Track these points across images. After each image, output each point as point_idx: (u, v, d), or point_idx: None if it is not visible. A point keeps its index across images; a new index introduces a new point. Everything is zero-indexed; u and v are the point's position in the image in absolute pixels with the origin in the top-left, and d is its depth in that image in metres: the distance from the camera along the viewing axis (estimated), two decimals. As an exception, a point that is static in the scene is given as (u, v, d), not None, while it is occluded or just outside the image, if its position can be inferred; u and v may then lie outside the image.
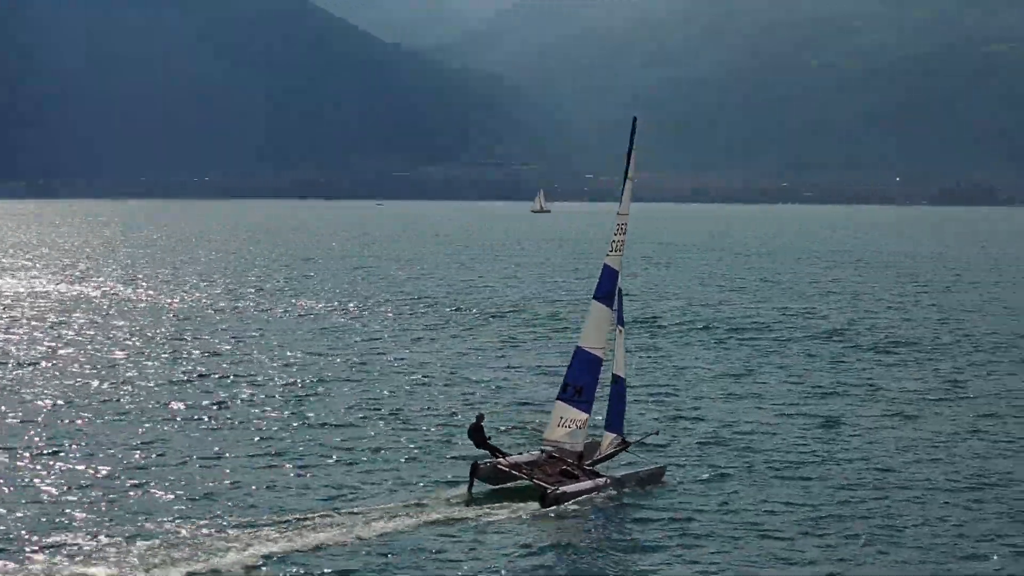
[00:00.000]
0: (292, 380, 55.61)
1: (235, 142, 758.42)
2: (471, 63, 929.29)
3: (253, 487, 36.73)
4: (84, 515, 33.42)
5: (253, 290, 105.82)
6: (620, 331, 38.32)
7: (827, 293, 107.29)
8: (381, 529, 32.20)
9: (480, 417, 38.66)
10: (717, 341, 72.26)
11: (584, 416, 37.59)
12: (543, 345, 69.98)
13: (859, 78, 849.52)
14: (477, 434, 37.76)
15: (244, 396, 51.62)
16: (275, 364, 60.67)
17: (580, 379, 37.84)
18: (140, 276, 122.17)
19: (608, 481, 36.57)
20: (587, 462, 37.54)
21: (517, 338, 73.30)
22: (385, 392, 53.03)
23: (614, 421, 38.38)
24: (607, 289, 37.95)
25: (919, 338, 73.66)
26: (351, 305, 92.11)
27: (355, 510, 33.77)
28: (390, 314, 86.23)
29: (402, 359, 63.19)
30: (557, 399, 38.24)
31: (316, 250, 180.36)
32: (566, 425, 37.64)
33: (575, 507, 34.62)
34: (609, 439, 38.26)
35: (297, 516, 33.14)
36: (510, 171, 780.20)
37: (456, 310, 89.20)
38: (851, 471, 39.25)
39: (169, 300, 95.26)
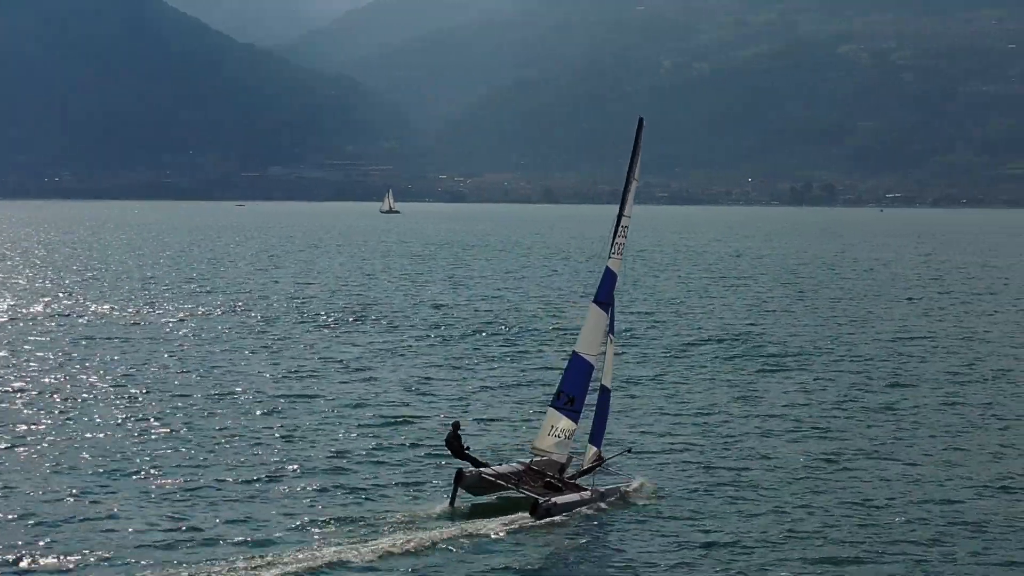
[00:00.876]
0: (231, 394, 51.82)
1: (81, 142, 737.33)
2: (321, 63, 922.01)
3: (221, 513, 33.95)
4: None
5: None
6: (611, 340, 37.09)
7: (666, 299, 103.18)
8: (370, 547, 30.80)
9: (456, 425, 37.25)
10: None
11: (573, 426, 36.64)
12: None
13: (707, 78, 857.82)
14: (454, 443, 36.59)
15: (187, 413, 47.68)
16: (204, 379, 56.20)
17: (574, 387, 36.79)
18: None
19: (593, 494, 35.36)
20: (567, 475, 36.44)
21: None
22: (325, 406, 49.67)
23: (597, 434, 36.88)
24: (607, 293, 36.93)
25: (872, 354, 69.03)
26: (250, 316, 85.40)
27: (336, 527, 32.58)
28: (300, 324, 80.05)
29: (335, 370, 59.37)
30: (550, 407, 37.13)
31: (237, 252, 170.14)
32: (556, 435, 36.62)
33: (564, 519, 33.65)
34: (592, 452, 36.73)
35: (278, 535, 31.86)
36: (361, 172, 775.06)
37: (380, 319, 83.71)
38: (826, 479, 38.68)
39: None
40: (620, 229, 36.61)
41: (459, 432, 36.87)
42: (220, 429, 44.36)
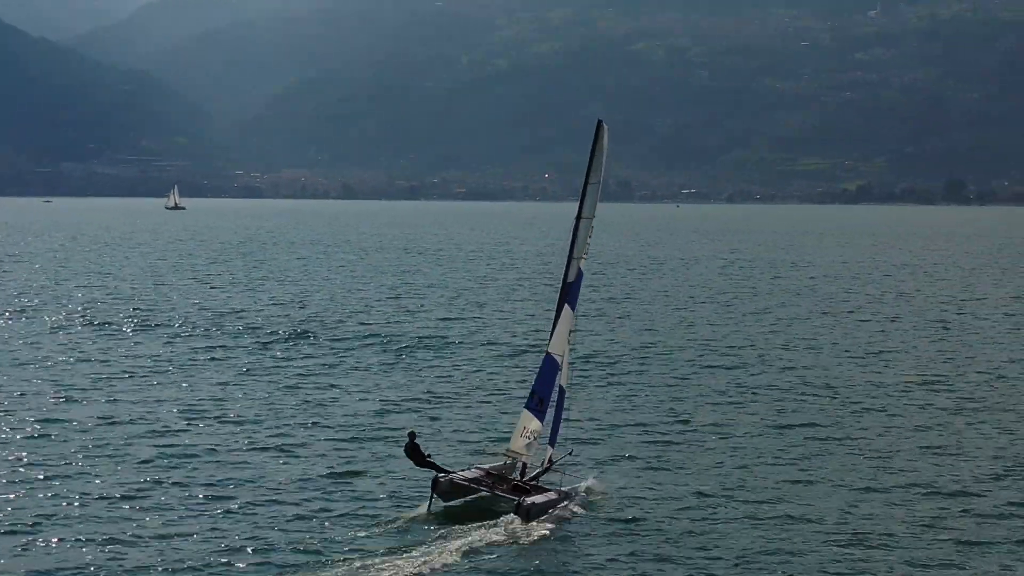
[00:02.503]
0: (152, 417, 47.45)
1: None
2: (115, 57, 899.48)
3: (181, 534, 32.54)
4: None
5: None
6: (570, 338, 37.48)
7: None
8: (351, 563, 30.22)
9: (412, 435, 37.34)
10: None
11: (540, 427, 37.02)
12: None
13: (505, 74, 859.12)
14: (415, 453, 36.93)
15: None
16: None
17: (544, 388, 37.12)
18: None
19: (559, 494, 35.94)
20: (526, 478, 36.81)
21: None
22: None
23: (554, 434, 37.56)
24: (575, 294, 37.25)
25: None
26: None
27: (316, 546, 31.70)
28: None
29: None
30: (524, 408, 37.42)
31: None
32: (526, 436, 36.90)
33: (544, 519, 34.29)
34: (549, 453, 37.33)
35: (251, 562, 30.63)
36: (156, 167, 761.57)
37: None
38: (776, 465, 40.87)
39: None
40: (588, 230, 36.76)
41: (416, 442, 37.04)
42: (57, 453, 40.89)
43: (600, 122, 37.05)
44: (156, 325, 76.22)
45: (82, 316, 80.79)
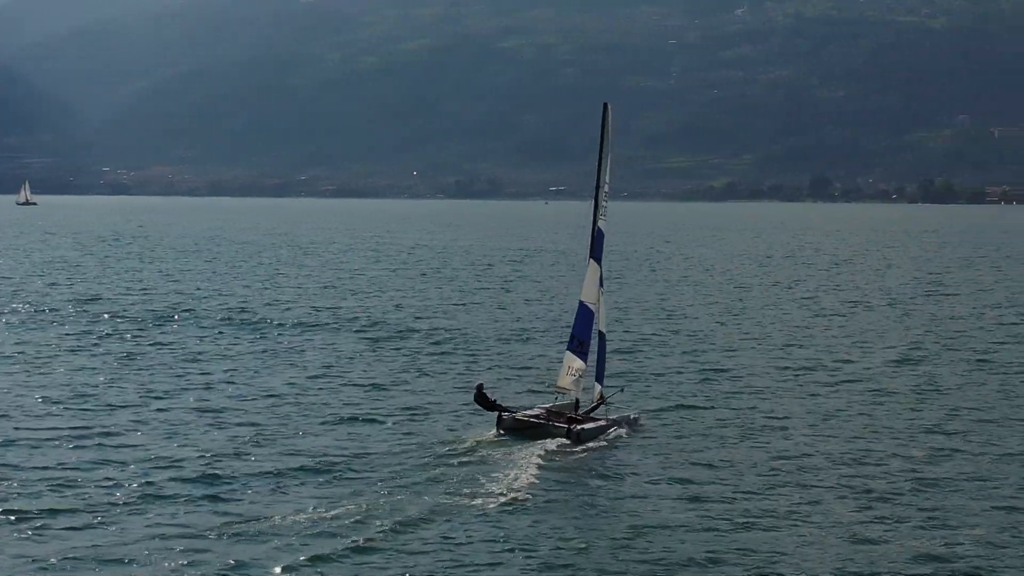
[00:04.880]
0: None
1: None
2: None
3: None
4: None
5: None
6: (601, 291, 43.97)
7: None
8: (431, 469, 37.25)
9: (480, 386, 43.82)
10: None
11: (584, 365, 43.30)
12: None
13: (374, 71, 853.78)
14: (483, 399, 43.13)
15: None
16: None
17: (582, 331, 43.40)
18: None
19: (607, 423, 42.74)
20: (579, 413, 43.24)
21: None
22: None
23: (600, 373, 44.21)
24: (600, 250, 43.76)
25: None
26: None
27: (407, 462, 38.18)
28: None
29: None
30: (567, 350, 43.55)
31: None
32: (572, 374, 43.25)
33: (593, 444, 41.00)
34: (598, 389, 43.85)
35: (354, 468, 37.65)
36: (20, 164, 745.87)
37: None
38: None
39: None
40: (603, 195, 43.57)
41: (484, 391, 43.42)
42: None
43: (606, 104, 43.53)
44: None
45: None
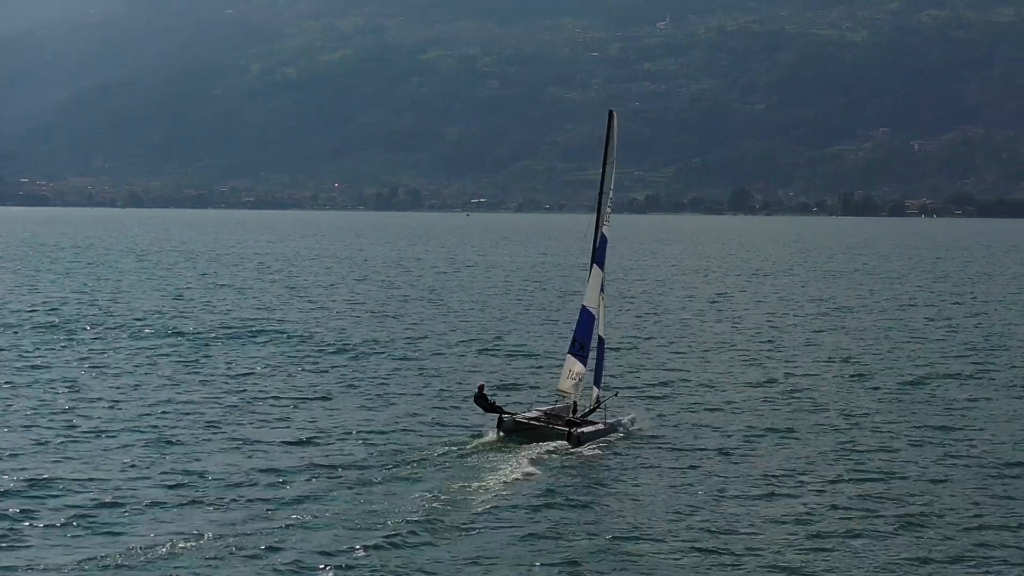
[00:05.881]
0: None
1: None
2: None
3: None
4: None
5: None
6: (602, 296, 45.19)
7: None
8: (429, 471, 38.19)
9: (480, 387, 44.89)
10: None
11: (584, 369, 44.66)
12: None
13: (294, 82, 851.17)
14: (483, 401, 44.18)
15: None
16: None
17: (583, 335, 44.79)
18: None
19: (605, 427, 44.18)
20: (577, 416, 44.42)
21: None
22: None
23: (598, 377, 45.43)
24: (603, 255, 45.04)
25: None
26: None
27: (409, 462, 39.42)
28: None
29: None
30: (568, 353, 45.05)
31: None
32: (572, 377, 44.62)
33: (592, 446, 42.45)
34: (595, 393, 45.23)
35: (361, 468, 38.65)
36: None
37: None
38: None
39: None
40: (608, 202, 44.65)
41: (484, 393, 44.35)
42: None
43: (611, 112, 45.02)
44: None
45: None
